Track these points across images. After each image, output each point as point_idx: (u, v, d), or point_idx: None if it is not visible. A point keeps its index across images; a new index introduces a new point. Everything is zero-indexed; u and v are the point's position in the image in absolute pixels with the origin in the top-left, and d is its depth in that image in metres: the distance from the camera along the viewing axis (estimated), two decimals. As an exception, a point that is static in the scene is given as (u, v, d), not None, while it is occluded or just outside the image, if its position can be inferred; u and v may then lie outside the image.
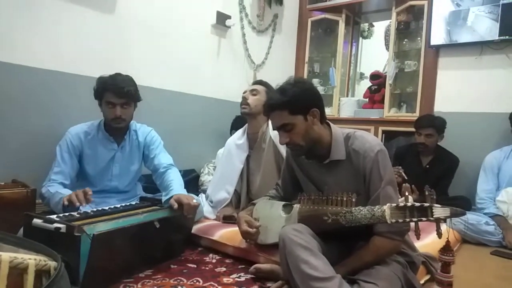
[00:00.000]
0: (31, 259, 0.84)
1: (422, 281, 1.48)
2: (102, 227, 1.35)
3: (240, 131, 2.29)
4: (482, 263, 1.93)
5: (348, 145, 1.35)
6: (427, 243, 1.77)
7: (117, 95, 1.74)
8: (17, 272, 0.81)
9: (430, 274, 1.53)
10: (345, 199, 1.27)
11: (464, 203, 2.49)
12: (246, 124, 2.25)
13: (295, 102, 1.31)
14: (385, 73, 3.61)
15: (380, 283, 1.17)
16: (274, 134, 2.08)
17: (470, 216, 2.23)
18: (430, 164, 2.73)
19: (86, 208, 1.60)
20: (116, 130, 1.85)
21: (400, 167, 2.58)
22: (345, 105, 3.74)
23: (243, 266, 1.64)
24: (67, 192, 1.61)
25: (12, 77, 1.90)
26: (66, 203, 1.51)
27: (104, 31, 2.29)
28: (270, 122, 2.15)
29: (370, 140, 1.33)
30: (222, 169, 2.27)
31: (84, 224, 1.30)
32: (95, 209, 1.59)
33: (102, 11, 2.27)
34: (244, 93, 2.16)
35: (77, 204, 1.49)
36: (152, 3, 2.56)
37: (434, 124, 2.65)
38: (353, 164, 1.33)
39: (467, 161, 2.80)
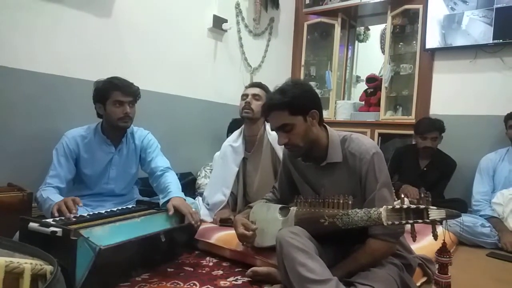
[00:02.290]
0: (27, 264, 0.84)
1: (418, 283, 1.48)
2: (99, 231, 1.34)
3: (235, 134, 2.28)
4: (478, 265, 1.94)
5: (345, 148, 1.36)
6: (424, 245, 1.78)
7: (125, 93, 1.76)
8: (13, 277, 0.81)
9: (426, 276, 1.54)
10: (341, 201, 1.28)
11: (460, 205, 2.50)
12: (242, 127, 2.25)
13: (295, 103, 1.31)
14: (381, 76, 3.64)
15: (376, 285, 1.17)
16: (272, 137, 2.08)
17: (466, 218, 2.24)
18: (427, 166, 2.75)
19: (83, 212, 1.59)
20: (116, 132, 1.85)
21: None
22: (341, 108, 3.76)
23: (240, 269, 1.64)
24: (57, 198, 1.59)
25: (8, 81, 1.89)
26: (56, 214, 1.49)
27: (101, 35, 2.29)
28: (267, 124, 2.15)
29: (366, 143, 1.33)
30: (218, 172, 2.27)
31: (81, 228, 1.30)
32: (91, 213, 1.59)
33: (98, 15, 2.27)
34: (245, 96, 2.13)
35: (67, 215, 1.48)
36: (148, 7, 2.56)
37: (437, 127, 2.69)
38: (349, 166, 1.33)
39: (463, 164, 2.82)
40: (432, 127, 2.68)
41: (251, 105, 2.09)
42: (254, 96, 2.11)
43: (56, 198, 1.60)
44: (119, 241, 1.32)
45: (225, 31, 3.14)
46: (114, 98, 1.76)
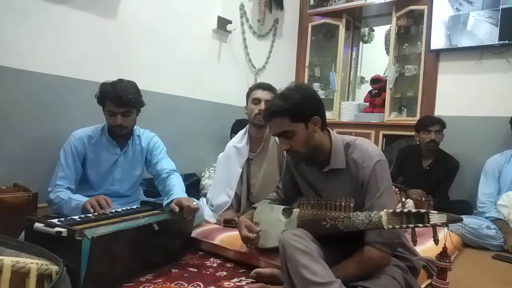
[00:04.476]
0: (33, 263, 0.84)
1: (423, 286, 1.48)
2: (103, 230, 1.35)
3: (240, 134, 2.27)
4: (484, 267, 1.93)
5: (348, 154, 1.33)
6: (428, 247, 1.77)
7: (116, 104, 1.74)
8: (19, 277, 0.81)
9: (431, 278, 1.53)
10: (343, 204, 1.27)
11: (465, 207, 2.50)
12: (247, 127, 2.24)
13: (296, 110, 1.29)
14: (385, 77, 3.62)
15: (380, 288, 1.17)
16: None
17: (471, 220, 2.23)
18: (430, 166, 2.75)
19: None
20: (119, 135, 1.86)
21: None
22: (345, 109, 3.75)
23: (244, 270, 1.64)
24: (81, 198, 1.66)
25: (14, 82, 1.91)
26: (91, 210, 1.57)
27: (106, 36, 2.31)
28: None
29: (370, 150, 1.30)
30: (221, 173, 2.26)
31: (86, 228, 1.31)
32: (96, 213, 1.60)
33: (104, 17, 2.29)
34: (257, 101, 2.08)
35: (101, 211, 1.56)
36: (153, 8, 2.58)
37: (439, 120, 2.74)
38: (352, 173, 1.31)
39: (468, 165, 2.81)
40: (434, 120, 2.75)
41: None
42: (267, 102, 2.03)
43: (79, 197, 1.67)
44: (112, 229, 1.36)
45: (230, 32, 3.15)
46: (107, 108, 1.77)
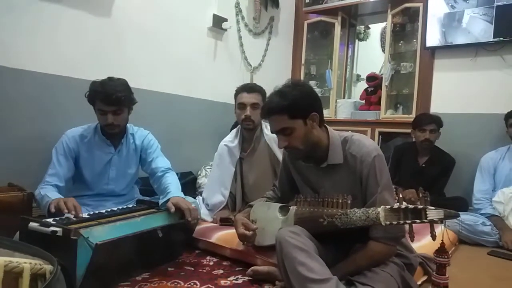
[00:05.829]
0: (26, 263, 0.84)
1: (419, 282, 1.49)
2: (99, 230, 1.34)
3: (233, 133, 2.26)
4: (479, 263, 1.93)
5: (345, 149, 1.34)
6: (424, 244, 1.78)
7: (106, 103, 1.71)
8: (12, 276, 0.81)
9: (427, 275, 1.54)
10: (340, 201, 1.27)
11: (461, 204, 2.50)
12: (239, 126, 2.23)
13: (295, 107, 1.29)
14: (381, 74, 3.63)
15: (376, 285, 1.17)
16: (269, 137, 2.08)
17: (467, 217, 2.24)
18: (426, 163, 2.76)
19: (83, 211, 1.58)
20: (112, 134, 1.85)
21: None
22: (341, 106, 3.76)
23: (240, 268, 1.64)
24: (55, 196, 1.59)
25: (8, 81, 1.90)
26: (53, 210, 1.49)
27: (100, 34, 2.29)
28: (263, 124, 2.14)
29: (367, 145, 1.32)
30: (215, 172, 2.25)
31: (81, 228, 1.30)
32: (92, 213, 1.59)
33: (98, 15, 2.27)
34: (243, 106, 2.08)
35: (65, 211, 1.47)
36: (148, 6, 2.56)
37: (435, 119, 2.72)
38: (350, 168, 1.32)
39: (463, 162, 2.82)
40: (430, 119, 2.73)
41: (251, 117, 2.05)
42: (253, 105, 2.06)
43: (54, 195, 1.59)
44: (115, 237, 1.33)
45: (225, 30, 3.13)
46: (97, 107, 1.75)
